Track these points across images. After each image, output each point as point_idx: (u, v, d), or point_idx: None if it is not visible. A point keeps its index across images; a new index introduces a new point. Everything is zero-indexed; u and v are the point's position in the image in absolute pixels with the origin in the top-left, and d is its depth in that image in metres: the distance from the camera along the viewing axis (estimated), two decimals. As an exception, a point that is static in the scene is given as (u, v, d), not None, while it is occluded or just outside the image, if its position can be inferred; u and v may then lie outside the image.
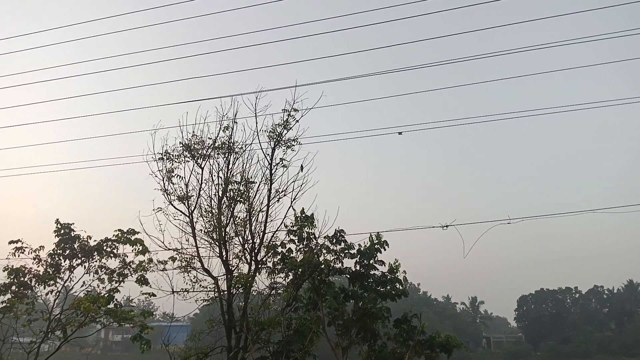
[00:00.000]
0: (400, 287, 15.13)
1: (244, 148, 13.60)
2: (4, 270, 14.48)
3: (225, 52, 15.59)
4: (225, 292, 13.09)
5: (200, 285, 13.26)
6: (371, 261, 15.14)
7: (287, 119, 13.65)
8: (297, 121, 13.70)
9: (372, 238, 15.30)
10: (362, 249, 15.14)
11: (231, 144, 13.50)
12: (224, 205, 13.34)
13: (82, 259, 15.13)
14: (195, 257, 13.23)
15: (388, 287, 15.11)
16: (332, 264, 14.73)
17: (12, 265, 14.71)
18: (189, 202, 13.32)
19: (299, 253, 14.51)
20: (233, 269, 13.33)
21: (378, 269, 15.13)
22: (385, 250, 15.21)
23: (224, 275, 13.21)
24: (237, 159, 13.61)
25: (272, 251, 14.08)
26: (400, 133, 14.95)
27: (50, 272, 14.69)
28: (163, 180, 13.49)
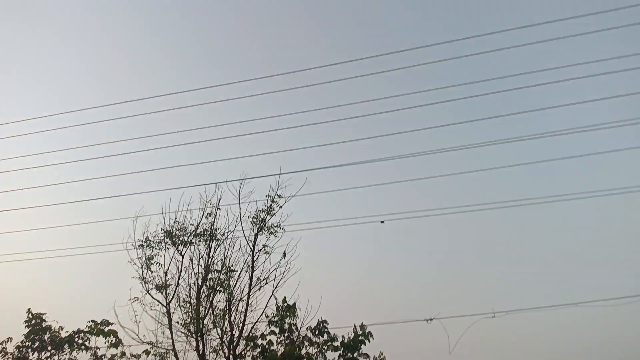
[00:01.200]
0: (387, 382, 14.46)
1: (226, 235, 13.51)
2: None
3: (211, 141, 15.95)
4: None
5: (175, 381, 12.56)
6: (355, 354, 14.58)
7: (271, 204, 13.73)
8: (281, 207, 13.78)
9: (356, 329, 14.84)
10: (345, 340, 14.63)
11: (213, 231, 13.42)
12: (203, 295, 12.99)
13: (52, 351, 14.40)
14: (171, 351, 12.65)
15: (373, 382, 14.44)
16: (314, 357, 14.16)
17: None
18: (167, 291, 12.97)
19: (279, 345, 13.97)
20: (210, 363, 12.71)
21: (363, 362, 14.54)
22: (370, 342, 14.71)
23: (200, 370, 12.56)
24: (219, 245, 13.47)
25: (252, 343, 13.54)
26: (382, 222, 15.01)
27: (16, 367, 13.89)
28: (142, 267, 13.23)
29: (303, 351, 14.05)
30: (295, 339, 14.04)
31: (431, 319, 13.91)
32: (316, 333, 14.30)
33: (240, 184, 13.63)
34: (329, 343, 14.38)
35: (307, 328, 14.11)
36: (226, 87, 14.05)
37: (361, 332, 14.69)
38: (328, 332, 14.37)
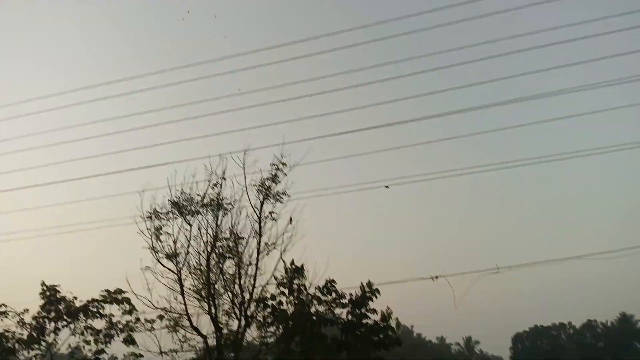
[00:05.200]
0: (394, 335, 14.96)
1: (232, 204, 13.63)
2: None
3: (215, 113, 15.87)
4: (215, 350, 12.81)
5: (189, 344, 13.00)
6: (363, 310, 15.00)
7: (276, 172, 13.79)
8: (286, 174, 13.85)
9: (363, 287, 15.21)
10: (353, 298, 15.02)
11: (220, 200, 13.53)
12: (213, 262, 13.25)
13: (68, 320, 14.79)
14: (184, 316, 13.02)
15: (381, 336, 14.92)
16: (323, 314, 14.58)
17: (-5, 331, 14.33)
18: (177, 259, 13.21)
19: (289, 305, 14.36)
20: (222, 326, 13.10)
21: (370, 318, 14.99)
22: (377, 298, 15.11)
23: (213, 333, 12.97)
24: (226, 214, 13.61)
25: (262, 304, 13.92)
26: (387, 186, 15.13)
27: (35, 336, 14.31)
28: (151, 238, 13.41)
29: (312, 309, 14.48)
30: (304, 298, 14.44)
31: (436, 277, 14.25)
32: (324, 292, 14.67)
33: (244, 154, 13.66)
34: (337, 301, 14.80)
35: (315, 288, 14.47)
36: (228, 60, 13.89)
37: (368, 289, 15.09)
38: (336, 291, 14.75)
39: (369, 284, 15.17)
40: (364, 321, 14.95)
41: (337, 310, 14.93)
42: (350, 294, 15.00)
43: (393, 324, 15.07)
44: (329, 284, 14.73)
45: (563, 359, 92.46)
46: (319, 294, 14.63)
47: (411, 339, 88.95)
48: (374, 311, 15.02)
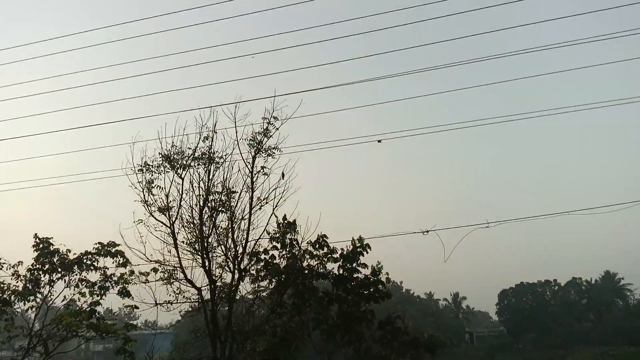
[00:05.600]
0: (384, 289, 15.31)
1: (224, 158, 13.58)
2: (-19, 288, 14.20)
3: (204, 64, 15.52)
4: (209, 302, 13.06)
5: (184, 296, 13.25)
6: (354, 264, 15.28)
7: (267, 126, 13.69)
8: (277, 129, 13.76)
9: (354, 241, 15.44)
10: (344, 252, 15.27)
11: (211, 154, 13.47)
12: (206, 216, 13.32)
13: (62, 272, 14.88)
14: (178, 268, 13.19)
15: (371, 290, 15.27)
16: (315, 268, 14.84)
17: (-10, 282, 14.43)
18: (170, 213, 13.26)
19: (282, 259, 14.59)
20: (216, 278, 13.31)
21: (361, 272, 15.29)
22: (367, 253, 15.37)
23: (207, 285, 13.20)
24: (218, 168, 13.59)
25: (255, 258, 14.12)
26: (379, 141, 15.07)
27: (30, 288, 14.44)
28: (143, 191, 13.41)
29: (304, 264, 14.73)
30: (296, 252, 14.66)
31: (427, 231, 14.42)
32: (316, 247, 14.91)
33: (235, 106, 13.48)
34: (329, 255, 15.05)
35: (307, 243, 14.69)
36: (218, 6, 13.42)
37: (359, 244, 15.33)
38: (328, 246, 14.99)
39: (360, 239, 15.40)
40: (355, 275, 15.28)
41: (329, 265, 15.24)
42: (342, 249, 15.26)
43: (383, 278, 15.40)
44: (320, 239, 14.94)
45: (547, 314, 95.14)
46: (310, 248, 14.87)
47: (400, 294, 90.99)
48: (365, 265, 15.33)
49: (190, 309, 13.61)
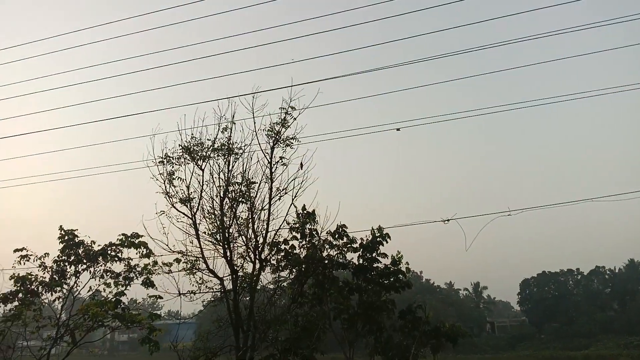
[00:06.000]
0: (404, 279, 15.29)
1: (243, 149, 13.65)
2: (10, 279, 14.55)
3: (221, 55, 15.55)
4: (231, 292, 13.20)
5: (206, 286, 13.39)
6: (374, 254, 15.29)
7: (285, 117, 13.71)
8: (295, 119, 13.77)
9: (374, 231, 15.44)
10: (364, 242, 15.28)
11: (230, 145, 13.55)
12: (226, 206, 13.42)
13: (87, 264, 15.16)
14: (200, 259, 13.34)
15: (392, 279, 15.27)
16: (335, 258, 14.88)
17: (18, 274, 14.77)
18: (191, 204, 13.40)
19: (302, 249, 14.66)
20: (238, 268, 13.43)
21: (381, 262, 15.30)
22: (387, 242, 15.37)
23: (229, 275, 13.33)
24: (237, 159, 13.67)
25: (276, 249, 14.20)
26: (398, 129, 14.97)
27: (57, 279, 14.75)
28: (164, 183, 13.56)
29: (324, 253, 14.77)
30: (316, 242, 14.71)
31: (448, 220, 14.31)
32: (336, 237, 14.94)
33: (253, 97, 13.52)
34: (349, 245, 15.07)
35: (327, 232, 14.73)
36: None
37: (379, 234, 15.32)
38: (347, 235, 15.01)
39: (380, 229, 15.40)
40: (375, 265, 15.29)
41: (349, 255, 15.28)
42: (362, 239, 15.27)
43: (403, 268, 15.38)
44: (340, 229, 14.97)
45: (569, 304, 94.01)
46: (330, 238, 14.91)
47: (420, 284, 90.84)
48: (385, 255, 15.32)
49: (212, 299, 13.76)
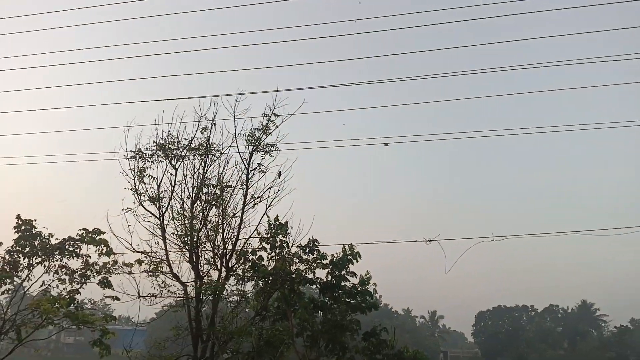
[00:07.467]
0: (371, 300, 15.03)
1: (221, 151, 13.26)
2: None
3: (206, 52, 15.25)
4: (194, 299, 12.67)
5: (168, 290, 12.82)
6: (343, 272, 14.99)
7: (267, 123, 13.40)
8: (277, 127, 13.47)
9: (345, 248, 15.17)
10: (334, 259, 14.98)
11: (208, 146, 13.14)
12: (197, 209, 12.97)
13: (42, 257, 14.44)
14: (164, 261, 12.79)
15: (358, 299, 14.98)
16: (303, 273, 14.52)
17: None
18: (161, 203, 12.89)
19: (270, 261, 14.25)
20: (203, 275, 12.94)
21: (349, 281, 15.00)
22: (357, 261, 15.09)
23: (193, 281, 12.81)
24: (214, 161, 13.27)
25: (243, 258, 13.77)
26: (386, 144, 14.85)
27: (7, 270, 13.95)
28: (134, 179, 13.03)
29: (293, 267, 14.39)
30: (285, 255, 14.33)
31: (430, 240, 14.14)
32: (306, 251, 14.58)
33: (236, 99, 13.17)
34: (318, 261, 14.74)
35: (297, 246, 14.36)
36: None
37: (349, 251, 15.05)
38: (318, 251, 14.66)
39: (351, 247, 15.13)
40: (343, 283, 14.98)
41: (318, 271, 14.93)
42: (332, 255, 14.96)
43: (371, 288, 15.12)
44: (311, 243, 14.64)
45: (522, 340, 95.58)
46: (300, 252, 14.56)
47: (379, 308, 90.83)
48: (354, 274, 15.03)
49: (173, 304, 13.17)
